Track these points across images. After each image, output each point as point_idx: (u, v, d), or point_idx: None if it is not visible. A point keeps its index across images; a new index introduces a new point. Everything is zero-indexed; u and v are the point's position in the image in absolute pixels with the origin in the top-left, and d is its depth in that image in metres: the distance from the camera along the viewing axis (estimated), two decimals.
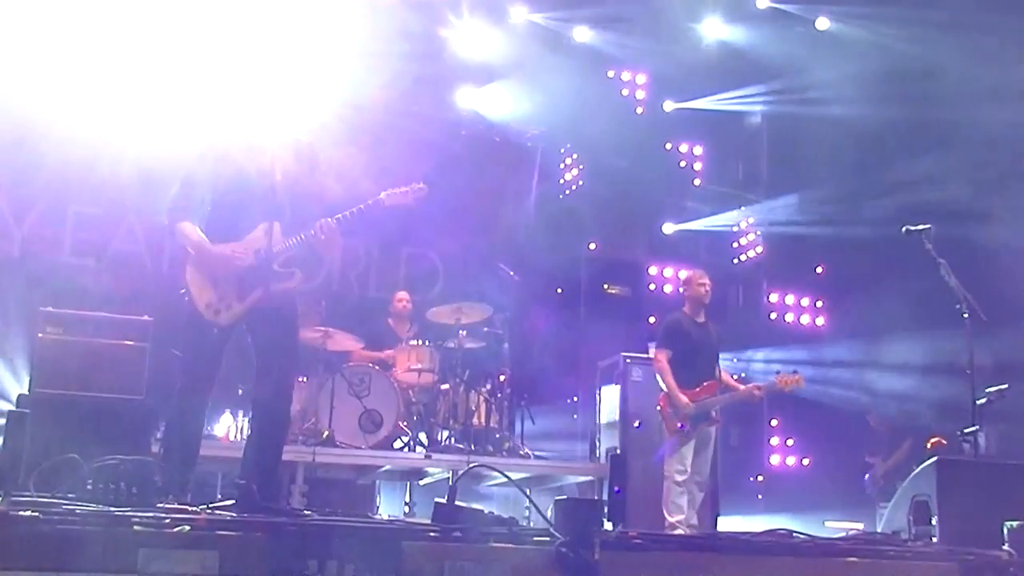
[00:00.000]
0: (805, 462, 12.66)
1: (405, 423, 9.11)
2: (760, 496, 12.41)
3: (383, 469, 9.03)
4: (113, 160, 10.00)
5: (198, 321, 5.42)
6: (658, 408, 8.14)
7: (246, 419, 8.29)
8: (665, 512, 7.86)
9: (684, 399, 7.92)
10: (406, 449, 9.06)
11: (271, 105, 5.68)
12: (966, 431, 6.73)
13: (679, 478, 7.85)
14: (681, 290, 8.87)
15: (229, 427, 8.67)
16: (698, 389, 8.01)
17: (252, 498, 4.61)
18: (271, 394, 5.41)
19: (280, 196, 5.34)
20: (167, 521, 3.75)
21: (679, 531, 7.60)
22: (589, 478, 9.35)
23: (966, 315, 6.91)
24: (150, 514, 3.85)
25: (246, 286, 5.40)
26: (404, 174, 11.45)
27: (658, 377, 8.17)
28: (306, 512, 4.87)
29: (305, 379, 9.06)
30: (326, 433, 8.49)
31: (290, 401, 5.66)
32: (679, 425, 7.92)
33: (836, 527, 9.31)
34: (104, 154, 9.85)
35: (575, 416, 11.42)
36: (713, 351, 8.23)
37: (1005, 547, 4.95)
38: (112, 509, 3.93)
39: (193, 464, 5.45)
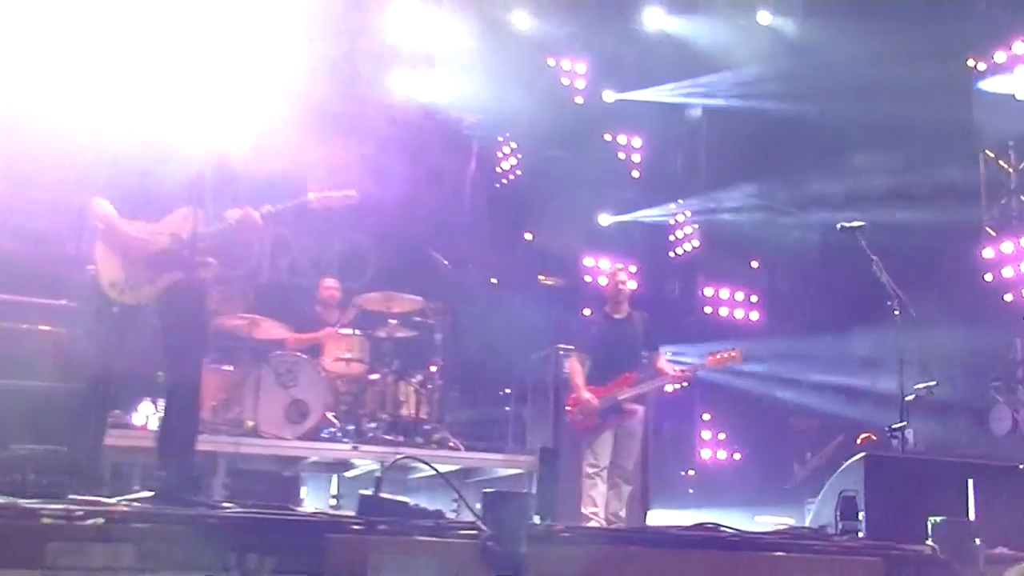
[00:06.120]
0: (736, 457, 12.84)
1: (333, 414, 9.02)
2: (691, 490, 12.55)
3: (309, 461, 8.93)
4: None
5: (98, 299, 5.42)
6: (566, 409, 8.26)
7: None
8: (581, 505, 7.98)
9: (585, 395, 8.04)
10: (333, 440, 8.95)
11: (202, 92, 5.64)
12: (894, 427, 6.88)
13: (589, 471, 7.97)
14: None
15: (148, 416, 8.49)
16: (610, 384, 8.09)
17: (171, 490, 4.54)
18: (180, 380, 5.40)
19: (204, 183, 5.33)
20: (79, 514, 3.66)
21: (592, 523, 7.71)
22: (519, 471, 9.34)
23: (897, 312, 7.06)
24: (61, 506, 3.76)
25: (158, 269, 5.42)
26: (336, 158, 11.47)
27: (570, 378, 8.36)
28: (226, 504, 4.80)
29: (231, 368, 8.94)
30: (250, 423, 8.38)
31: (199, 387, 5.63)
32: (590, 424, 8.03)
33: (766, 522, 9.43)
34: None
35: (507, 408, 11.41)
36: (633, 344, 8.29)
37: (929, 542, 5.04)
38: (20, 501, 3.84)
39: (98, 452, 5.37)
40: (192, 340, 5.50)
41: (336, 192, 5.82)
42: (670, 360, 8.92)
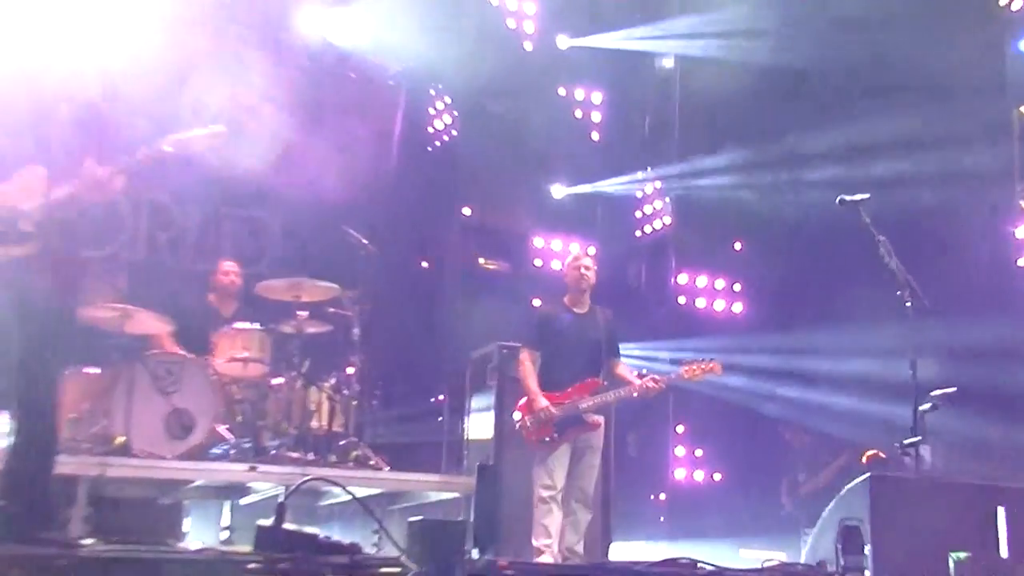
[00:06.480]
0: (716, 477, 12.89)
1: (225, 426, 8.91)
2: (662, 518, 12.61)
3: (194, 485, 8.82)
4: None
5: None
6: (517, 415, 8.19)
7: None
8: (532, 536, 7.92)
9: (541, 402, 8.00)
10: (225, 459, 8.79)
11: (54, 20, 5.45)
12: (907, 442, 6.87)
13: (544, 494, 7.91)
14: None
15: None
16: (569, 390, 8.07)
17: (13, 525, 4.39)
18: (32, 386, 5.27)
19: (50, 138, 5.16)
20: None
21: (545, 557, 7.68)
22: (454, 495, 9.32)
23: (909, 303, 7.06)
24: None
25: None
26: (230, 114, 11.25)
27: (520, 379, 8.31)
28: (87, 541, 4.67)
29: (97, 371, 8.79)
30: (120, 439, 8.22)
31: (55, 396, 5.45)
32: (545, 436, 7.97)
33: (753, 557, 9.46)
34: None
35: (440, 419, 11.37)
36: (595, 345, 8.29)
37: None
38: None
39: None
40: (47, 334, 5.36)
41: (199, 131, 5.65)
42: (635, 363, 8.90)
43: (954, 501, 6.44)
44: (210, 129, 5.71)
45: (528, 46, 13.33)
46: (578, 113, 14.06)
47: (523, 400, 8.16)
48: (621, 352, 8.59)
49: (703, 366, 8.17)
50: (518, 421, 8.16)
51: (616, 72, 13.88)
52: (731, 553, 9.49)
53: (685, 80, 13.74)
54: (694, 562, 5.10)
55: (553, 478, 7.94)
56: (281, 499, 7.94)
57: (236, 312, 9.79)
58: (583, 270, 8.36)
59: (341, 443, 9.28)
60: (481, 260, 13.57)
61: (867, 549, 6.08)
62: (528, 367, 8.20)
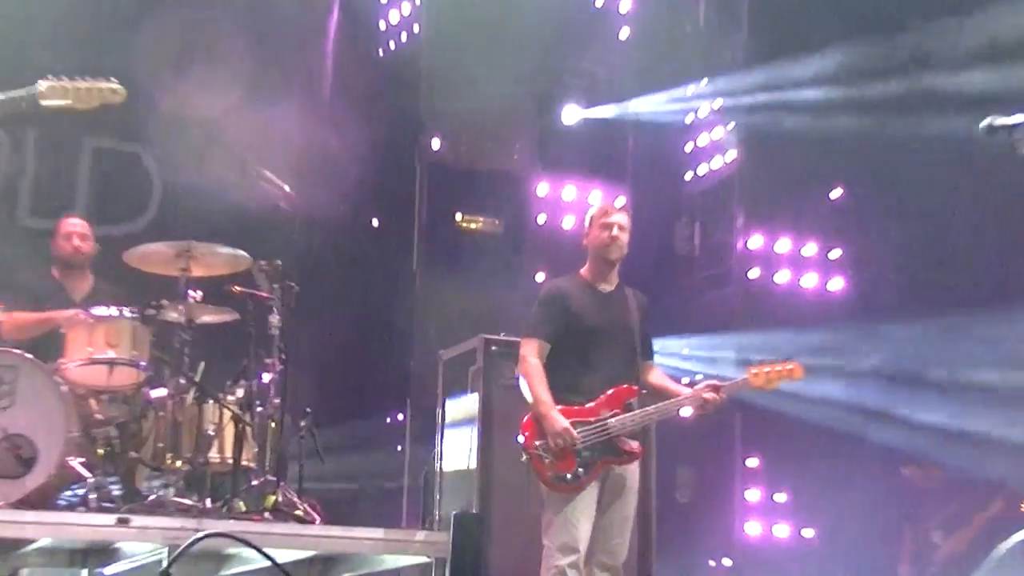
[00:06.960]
0: (808, 535, 12.89)
1: (81, 460, 8.85)
2: None
3: (36, 546, 8.73)
4: None
5: None
6: (521, 438, 8.15)
7: None
8: None
9: (558, 421, 7.93)
10: (82, 508, 8.72)
11: None
12: None
13: (562, 560, 7.84)
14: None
15: None
16: (597, 402, 8.08)
17: None
18: None
19: None
20: None
21: None
22: (420, 559, 9.28)
23: None
24: None
25: None
26: (106, 17, 11.26)
27: (522, 384, 8.26)
28: None
29: None
30: None
31: None
32: (565, 471, 7.95)
33: None
34: None
35: (399, 448, 11.37)
36: (629, 337, 8.33)
37: None
38: None
39: None
40: None
41: (93, 83, 5.58)
42: (684, 367, 8.87)
43: None
44: (105, 86, 5.63)
45: None
46: (599, 1, 14.05)
47: (529, 416, 8.12)
48: (660, 350, 8.75)
49: (779, 368, 8.25)
50: (524, 447, 8.10)
51: None
52: None
53: None
54: None
55: (576, 533, 7.87)
56: (165, 565, 7.98)
57: (92, 292, 9.84)
58: (616, 230, 8.32)
59: (253, 483, 9.28)
60: (459, 216, 13.65)
61: None
62: (537, 367, 8.14)
